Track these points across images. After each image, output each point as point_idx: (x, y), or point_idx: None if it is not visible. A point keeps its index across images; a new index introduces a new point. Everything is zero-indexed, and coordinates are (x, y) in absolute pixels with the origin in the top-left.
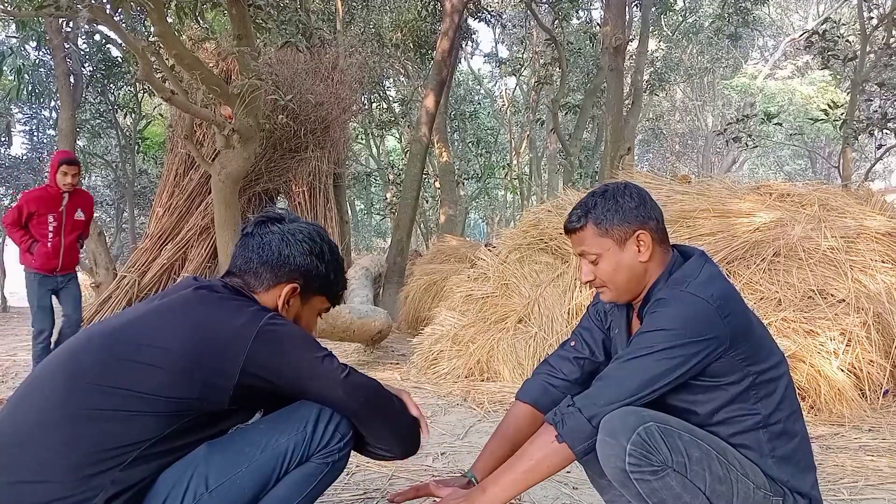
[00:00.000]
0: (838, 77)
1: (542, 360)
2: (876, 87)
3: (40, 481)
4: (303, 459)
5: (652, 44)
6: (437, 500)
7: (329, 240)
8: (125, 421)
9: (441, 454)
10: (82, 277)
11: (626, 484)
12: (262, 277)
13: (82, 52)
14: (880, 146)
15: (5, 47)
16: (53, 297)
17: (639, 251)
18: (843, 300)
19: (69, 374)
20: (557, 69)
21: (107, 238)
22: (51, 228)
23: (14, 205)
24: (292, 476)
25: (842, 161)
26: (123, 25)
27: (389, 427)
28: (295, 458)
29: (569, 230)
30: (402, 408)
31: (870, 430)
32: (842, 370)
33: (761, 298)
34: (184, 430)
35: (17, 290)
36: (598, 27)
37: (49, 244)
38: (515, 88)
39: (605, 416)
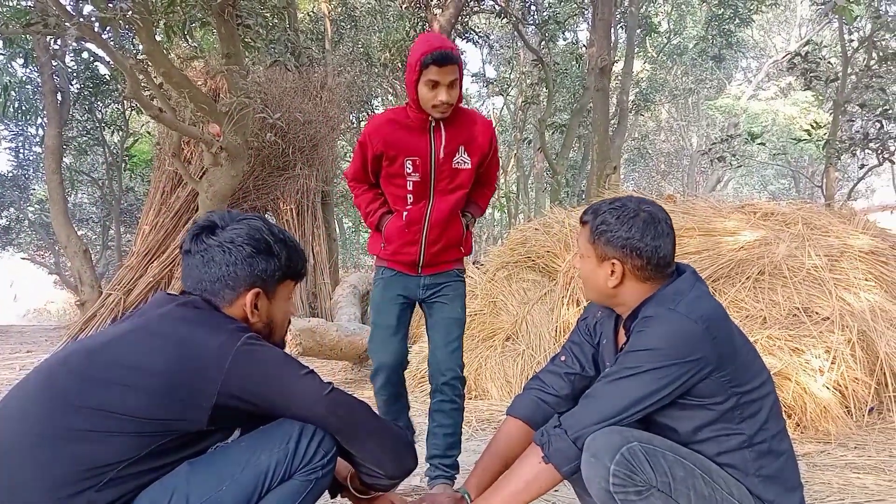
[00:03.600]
0: (820, 98)
1: (532, 376)
2: (857, 107)
3: (25, 497)
4: (285, 477)
5: (637, 65)
6: None
7: (269, 228)
8: (102, 441)
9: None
10: (67, 296)
11: None
12: (222, 294)
13: (70, 70)
14: (862, 166)
15: None
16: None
17: (610, 275)
18: (828, 318)
19: (46, 395)
20: (544, 89)
21: (92, 256)
22: (410, 184)
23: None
24: (275, 494)
25: (825, 180)
26: (111, 43)
27: (375, 443)
28: (277, 475)
29: (580, 219)
30: (389, 424)
31: (855, 447)
32: (827, 388)
33: (746, 316)
34: (162, 450)
35: (2, 306)
36: (584, 48)
37: (405, 214)
38: (503, 108)
39: (589, 437)
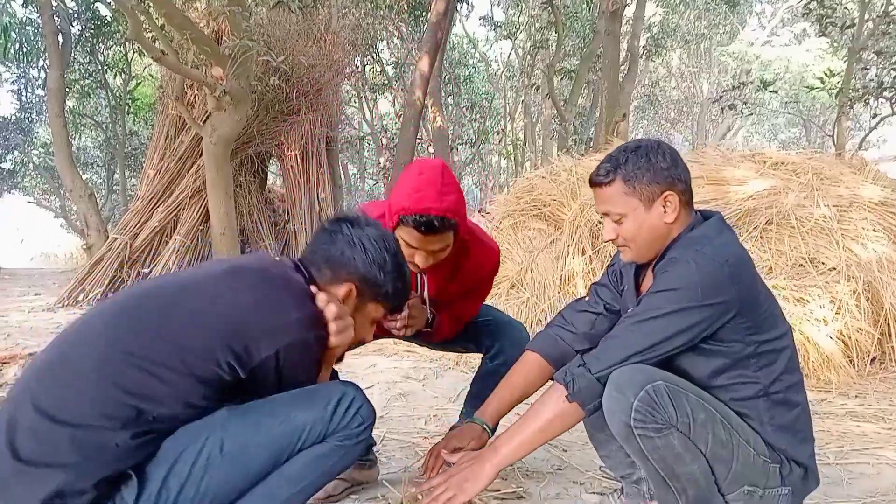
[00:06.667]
0: (835, 45)
1: (557, 313)
2: (873, 55)
3: (83, 407)
4: (319, 438)
5: (649, 8)
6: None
7: (395, 251)
8: (160, 377)
9: (433, 416)
10: (74, 240)
11: (628, 439)
12: (323, 273)
13: (70, 11)
14: (875, 115)
15: None
16: None
17: (665, 212)
18: (834, 268)
19: (125, 321)
20: (553, 33)
21: (98, 200)
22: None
23: None
24: (307, 454)
25: (836, 130)
26: None
27: None
28: (312, 435)
29: (595, 183)
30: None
31: (856, 396)
32: (830, 338)
33: None
34: (207, 393)
35: (10, 249)
36: None
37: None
38: (511, 52)
39: (614, 371)
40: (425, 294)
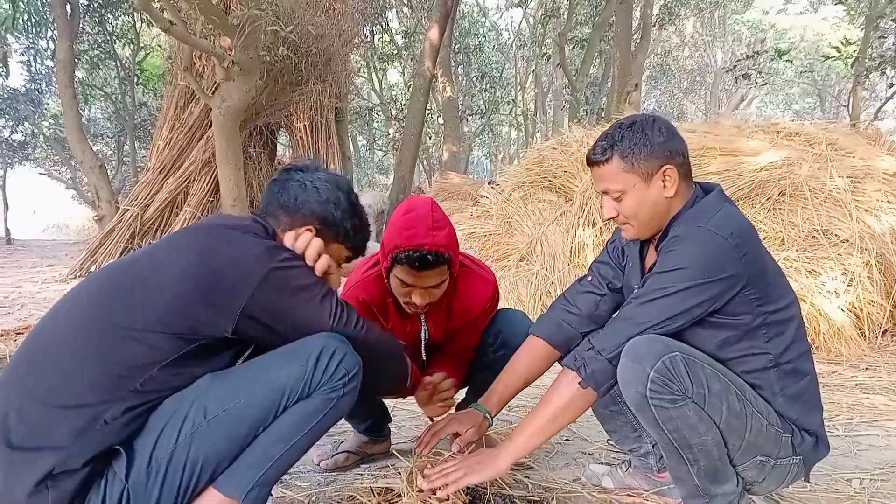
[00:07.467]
0: (852, 13)
1: (559, 295)
2: (891, 23)
3: (71, 387)
4: (304, 394)
5: None
6: (464, 451)
7: (348, 189)
8: (141, 341)
9: None
10: (86, 211)
11: (642, 409)
12: (280, 220)
13: None
14: (891, 85)
15: None
16: None
17: (664, 187)
18: (847, 240)
19: (97, 298)
20: (565, 1)
21: (108, 171)
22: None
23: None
24: (294, 411)
25: (851, 99)
26: None
27: (371, 369)
28: (296, 392)
29: (592, 162)
30: (387, 351)
31: (867, 368)
32: (842, 310)
33: (765, 238)
34: (190, 355)
35: (22, 221)
36: None
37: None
38: (521, 21)
39: (630, 342)
40: (422, 343)
